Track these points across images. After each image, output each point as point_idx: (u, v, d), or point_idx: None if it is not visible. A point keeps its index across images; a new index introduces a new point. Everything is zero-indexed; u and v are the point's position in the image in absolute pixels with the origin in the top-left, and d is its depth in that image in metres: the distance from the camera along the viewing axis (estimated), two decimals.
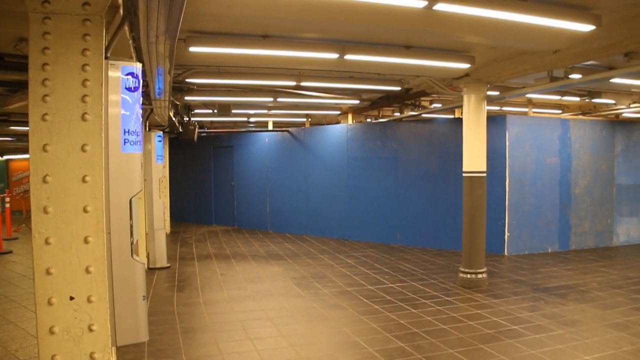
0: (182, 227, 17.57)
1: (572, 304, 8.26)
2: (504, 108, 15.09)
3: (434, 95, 12.35)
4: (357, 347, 6.31)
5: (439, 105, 13.17)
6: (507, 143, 12.07)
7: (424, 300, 8.39)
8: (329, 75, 9.87)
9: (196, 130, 13.33)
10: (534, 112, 14.87)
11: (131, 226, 4.60)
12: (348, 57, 7.46)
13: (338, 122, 16.95)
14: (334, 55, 7.41)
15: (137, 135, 4.08)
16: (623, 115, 15.06)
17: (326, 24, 6.22)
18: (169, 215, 16.14)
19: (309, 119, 18.03)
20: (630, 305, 8.21)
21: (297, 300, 8.42)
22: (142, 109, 4.75)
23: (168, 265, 11.00)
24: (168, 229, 16.01)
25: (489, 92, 10.12)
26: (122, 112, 3.89)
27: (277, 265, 11.14)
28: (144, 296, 5.79)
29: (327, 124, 17.53)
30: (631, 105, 13.08)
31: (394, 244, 13.78)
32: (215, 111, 12.94)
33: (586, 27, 6.01)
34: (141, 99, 4.74)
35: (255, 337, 6.64)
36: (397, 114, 14.22)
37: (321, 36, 7.24)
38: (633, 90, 12.09)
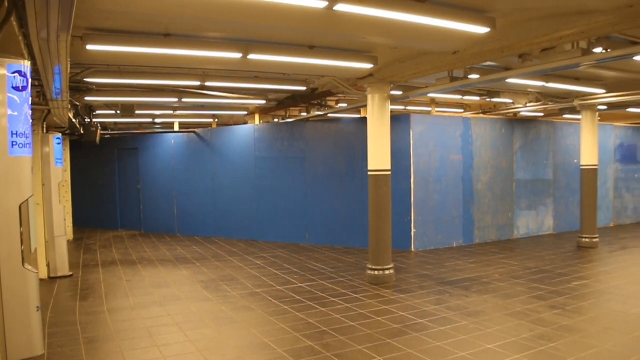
0: (85, 233, 16.92)
1: (476, 295, 8.53)
2: (409, 107, 15.42)
3: (339, 95, 12.45)
4: (267, 348, 6.25)
5: (345, 105, 13.28)
6: (411, 141, 12.33)
7: (333, 299, 8.43)
8: (234, 75, 9.76)
9: (99, 131, 12.89)
10: (437, 112, 15.29)
11: (22, 233, 4.35)
12: (252, 56, 7.40)
13: (245, 123, 16.84)
14: (237, 55, 7.32)
15: (27, 138, 3.87)
16: (521, 114, 15.71)
17: (229, 24, 6.15)
18: (71, 221, 15.52)
19: (216, 120, 17.82)
20: (529, 294, 8.57)
21: (205, 304, 8.26)
22: (32, 109, 4.50)
23: (70, 273, 10.55)
24: (70, 236, 15.39)
25: (393, 92, 10.32)
26: (9, 112, 3.67)
27: (185, 269, 10.91)
28: (38, 307, 5.53)
29: (234, 125, 17.37)
30: (528, 105, 13.65)
31: (303, 243, 13.81)
32: (119, 112, 12.56)
33: (482, 30, 6.19)
34: (30, 98, 4.50)
35: (162, 343, 6.46)
36: (304, 114, 14.26)
37: (225, 35, 7.14)
38: (529, 90, 12.63)
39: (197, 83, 9.70)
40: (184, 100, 11.61)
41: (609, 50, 6.95)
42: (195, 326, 7.15)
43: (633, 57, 7.29)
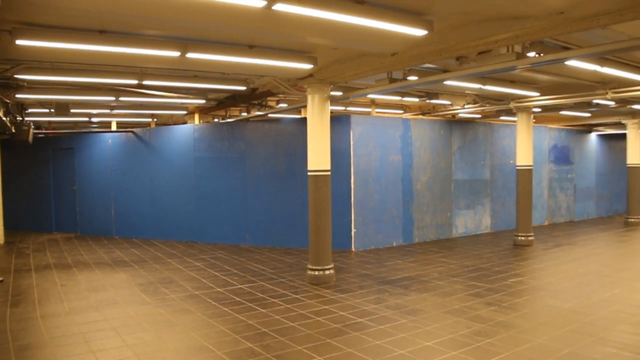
0: (18, 237, 16.35)
1: (415, 294, 8.64)
2: (349, 108, 15.51)
3: (280, 95, 12.42)
4: (206, 351, 6.17)
5: (285, 105, 13.27)
6: (351, 142, 12.40)
7: (273, 300, 8.39)
8: (172, 73, 9.60)
9: (31, 130, 12.50)
10: (377, 112, 15.43)
11: None
12: (190, 55, 7.30)
13: (185, 123, 16.61)
14: (175, 54, 7.21)
15: None
16: (459, 115, 16.01)
17: (166, 21, 6.05)
18: (2, 224, 14.98)
19: (155, 119, 17.52)
20: (467, 292, 8.75)
21: (143, 308, 8.09)
22: None
23: (1, 279, 10.17)
24: (1, 239, 14.88)
25: (333, 93, 10.35)
26: None
27: (123, 272, 10.68)
28: None
29: (173, 124, 17.12)
30: (466, 106, 13.93)
31: (243, 244, 13.71)
32: (53, 111, 12.18)
33: (420, 32, 6.27)
34: None
35: (98, 349, 6.28)
36: (245, 114, 14.16)
37: (162, 33, 7.02)
38: (467, 92, 12.87)
39: (135, 82, 9.49)
40: (121, 99, 11.37)
41: (541, 55, 7.14)
42: (133, 330, 6.99)
43: (564, 61, 7.51)
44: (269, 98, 12.63)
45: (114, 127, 16.88)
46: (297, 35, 6.61)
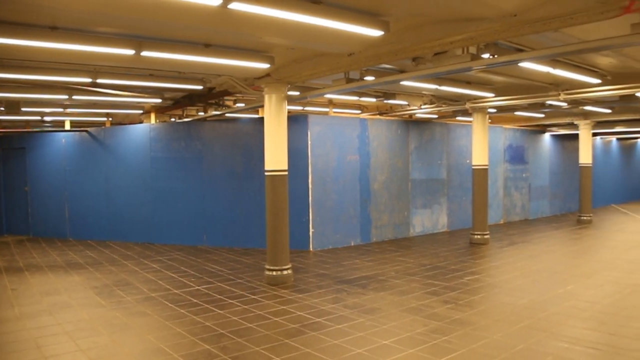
0: None
1: (372, 293, 8.69)
2: (307, 108, 15.51)
3: (237, 95, 12.35)
4: (162, 354, 6.08)
5: (243, 104, 13.20)
6: (309, 142, 12.41)
7: (231, 300, 8.33)
8: (127, 72, 9.44)
9: None
10: (335, 112, 15.46)
11: None
12: (145, 53, 7.18)
13: (141, 122, 16.36)
14: (129, 52, 7.09)
15: None
16: (416, 115, 16.14)
17: (121, 19, 5.93)
18: None
19: (110, 119, 17.22)
20: (424, 290, 8.83)
21: (98, 311, 7.94)
22: None
23: None
24: None
25: (290, 92, 10.32)
26: None
27: (77, 275, 10.46)
28: None
29: (129, 124, 16.86)
30: (422, 106, 14.06)
31: (201, 245, 13.59)
32: (2, 109, 11.86)
33: (376, 33, 6.29)
34: None
35: (51, 354, 6.14)
36: (202, 114, 14.03)
37: (117, 31, 6.90)
38: (424, 92, 12.99)
39: (89, 80, 9.29)
40: (74, 97, 11.13)
41: (496, 56, 7.24)
42: (87, 334, 6.85)
43: (518, 63, 7.63)
44: (226, 97, 12.54)
45: (67, 127, 16.52)
46: (254, 34, 6.58)
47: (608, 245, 13.63)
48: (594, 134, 21.14)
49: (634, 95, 11.70)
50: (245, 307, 7.98)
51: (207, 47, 7.56)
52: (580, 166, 18.60)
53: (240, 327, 7.00)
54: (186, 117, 15.27)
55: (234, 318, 7.42)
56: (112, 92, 10.81)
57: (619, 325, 6.94)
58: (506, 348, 6.12)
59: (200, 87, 10.65)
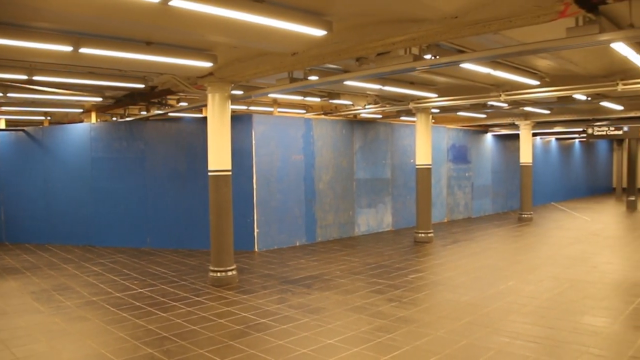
0: None
1: (317, 292, 8.69)
2: (251, 107, 15.43)
3: (180, 94, 12.20)
4: (103, 359, 5.94)
5: (186, 104, 13.04)
6: (253, 141, 12.33)
7: (174, 303, 8.20)
8: (66, 69, 9.16)
9: None
10: (280, 112, 15.43)
11: None
12: (84, 50, 6.97)
13: (81, 121, 15.96)
14: (67, 48, 6.87)
15: None
16: (361, 115, 16.25)
17: (59, 14, 5.76)
18: None
19: (49, 118, 16.78)
20: (369, 288, 8.89)
21: (35, 317, 7.67)
22: None
23: None
24: None
25: (234, 92, 10.24)
26: None
27: (13, 280, 10.09)
28: None
29: (69, 123, 16.43)
30: (367, 106, 14.16)
31: (144, 247, 13.33)
32: None
33: (319, 32, 6.27)
34: None
35: None
36: (144, 113, 13.80)
37: (54, 26, 6.67)
38: (368, 92, 13.08)
39: (24, 77, 8.99)
40: (9, 95, 10.77)
41: (437, 57, 7.33)
42: (24, 342, 6.61)
43: (459, 64, 7.77)
44: (169, 96, 12.36)
45: (2, 125, 16.01)
46: (196, 32, 6.50)
47: (547, 242, 14.01)
48: (534, 134, 21.67)
49: (571, 96, 12.04)
50: (189, 309, 7.87)
51: (148, 45, 7.42)
52: (521, 165, 19.06)
53: (184, 330, 6.89)
54: (128, 116, 14.97)
55: (178, 320, 7.30)
56: (49, 90, 10.50)
57: (558, 319, 7.15)
58: (449, 344, 6.22)
59: (142, 86, 10.47)
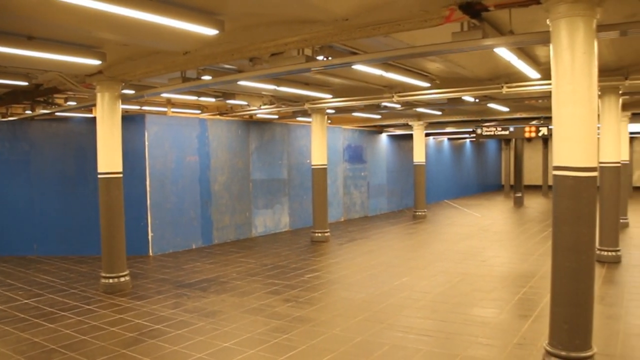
0: None
1: (213, 295, 8.59)
2: (144, 107, 15.05)
3: (68, 93, 11.71)
4: None
5: (75, 103, 12.53)
6: (146, 142, 12.02)
7: (63, 313, 7.82)
8: None
9: None
10: (174, 112, 15.14)
11: None
12: None
13: None
14: None
15: None
16: (256, 115, 16.22)
17: None
18: None
19: None
20: (265, 290, 8.89)
21: None
22: None
23: None
24: None
25: (125, 91, 9.92)
26: None
27: None
28: None
29: None
30: (262, 107, 14.14)
31: (31, 255, 12.59)
32: None
33: (211, 31, 6.17)
34: None
35: None
36: (29, 112, 13.13)
37: None
38: (263, 93, 13.06)
39: None
40: None
41: (330, 58, 7.42)
42: None
43: (352, 65, 7.90)
44: (56, 95, 11.83)
45: None
46: (83, 28, 6.26)
47: (440, 238, 14.51)
48: (427, 134, 22.34)
49: (460, 98, 12.51)
50: (79, 318, 7.54)
51: (30, 40, 7.02)
52: (415, 165, 19.62)
53: (73, 341, 6.59)
54: (11, 115, 14.22)
55: (67, 331, 6.98)
56: None
57: (449, 312, 7.45)
58: (345, 341, 6.32)
59: (25, 83, 9.91)
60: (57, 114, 12.98)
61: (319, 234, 13.98)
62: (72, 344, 6.47)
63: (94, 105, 11.05)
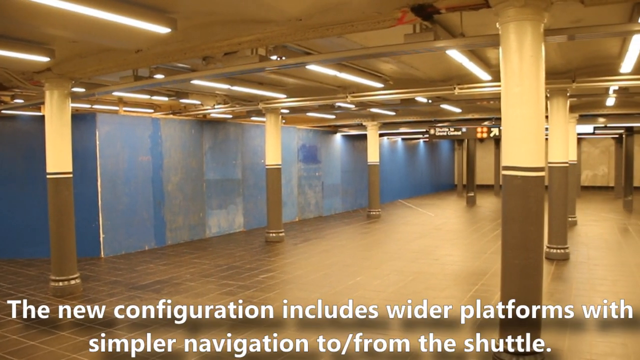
0: None
1: (166, 297, 8.48)
2: (95, 106, 14.74)
3: (15, 90, 11.36)
4: None
5: (22, 101, 12.18)
6: (97, 142, 11.80)
7: (9, 318, 7.58)
8: None
9: None
10: (126, 111, 14.87)
11: None
12: None
13: None
14: None
15: None
16: (210, 115, 16.06)
17: None
18: None
19: None
20: (219, 291, 8.85)
21: None
22: None
23: None
24: None
25: (75, 89, 9.71)
26: None
27: None
28: None
29: None
30: (216, 106, 14.02)
31: None
32: None
33: (163, 30, 6.10)
34: None
35: None
36: None
37: None
38: (217, 92, 12.96)
39: None
40: None
41: (283, 58, 7.41)
42: None
43: (305, 65, 7.92)
44: (2, 92, 11.46)
45: None
46: (30, 23, 6.10)
47: (394, 238, 14.66)
48: (381, 135, 22.51)
49: (413, 99, 12.63)
50: (27, 323, 7.35)
51: None
52: (369, 165, 19.75)
53: (20, 347, 6.44)
54: None
55: (14, 337, 6.80)
56: None
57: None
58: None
59: None
60: (3, 111, 12.62)
61: (274, 234, 13.95)
62: (19, 351, 6.33)
63: (43, 103, 10.81)
